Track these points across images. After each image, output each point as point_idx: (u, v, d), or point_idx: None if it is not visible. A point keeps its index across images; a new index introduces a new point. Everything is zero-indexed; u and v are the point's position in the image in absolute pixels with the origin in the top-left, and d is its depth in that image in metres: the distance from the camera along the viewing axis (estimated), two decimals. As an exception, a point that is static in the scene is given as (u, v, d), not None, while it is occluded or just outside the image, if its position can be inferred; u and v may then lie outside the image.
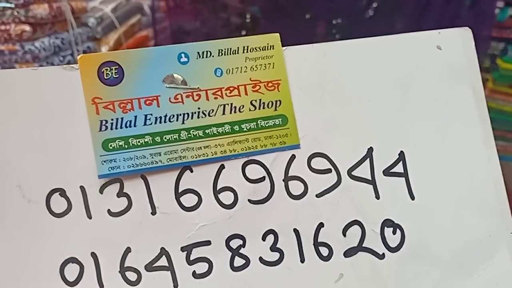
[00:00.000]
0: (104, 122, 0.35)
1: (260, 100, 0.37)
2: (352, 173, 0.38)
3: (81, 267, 0.35)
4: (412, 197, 0.38)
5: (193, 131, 0.36)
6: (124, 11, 1.22)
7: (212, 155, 0.36)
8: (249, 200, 0.37)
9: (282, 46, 0.37)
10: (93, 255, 0.35)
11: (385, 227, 0.38)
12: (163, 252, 0.36)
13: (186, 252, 0.36)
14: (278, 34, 0.37)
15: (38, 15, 0.92)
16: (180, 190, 0.36)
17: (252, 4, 1.14)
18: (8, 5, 0.91)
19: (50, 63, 0.94)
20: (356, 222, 0.38)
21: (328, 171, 0.37)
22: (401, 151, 0.38)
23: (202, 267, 0.36)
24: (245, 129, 0.36)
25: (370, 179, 0.38)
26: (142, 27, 1.33)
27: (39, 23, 0.94)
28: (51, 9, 0.95)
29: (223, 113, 0.36)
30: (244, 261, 0.37)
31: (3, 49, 0.93)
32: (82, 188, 0.35)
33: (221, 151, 0.36)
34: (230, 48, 0.36)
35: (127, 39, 1.20)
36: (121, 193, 0.36)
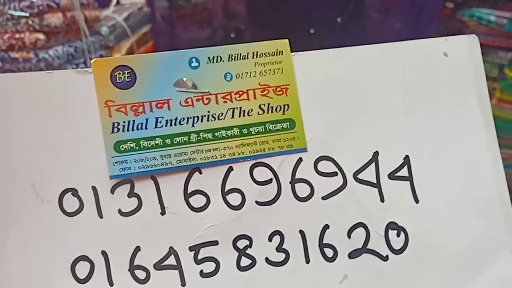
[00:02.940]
0: (116, 124, 0.36)
1: (268, 104, 0.37)
2: (358, 176, 0.38)
3: (92, 265, 0.36)
4: (417, 201, 0.39)
5: (202, 134, 0.37)
6: (137, 20, 1.24)
7: (221, 157, 0.37)
8: (256, 202, 0.37)
9: (291, 51, 0.38)
10: (104, 253, 0.36)
11: (389, 230, 0.38)
12: (172, 251, 0.37)
13: (194, 251, 0.37)
14: (287, 40, 0.37)
15: (52, 23, 0.94)
16: (189, 191, 0.37)
17: (235, 18, 1.17)
18: (23, 14, 0.92)
19: (63, 70, 0.96)
20: (361, 225, 0.38)
21: (334, 174, 0.38)
22: (406, 156, 0.39)
23: (209, 267, 0.37)
24: (253, 133, 0.37)
25: (375, 182, 0.38)
26: (154, 36, 1.34)
27: (53, 32, 0.96)
28: (65, 18, 0.96)
29: (232, 117, 0.37)
30: (250, 261, 0.37)
31: (17, 57, 0.95)
32: (94, 188, 0.36)
33: (230, 154, 0.37)
34: (240, 54, 0.37)
35: (139, 47, 1.21)
36: (131, 194, 0.36)
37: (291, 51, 0.38)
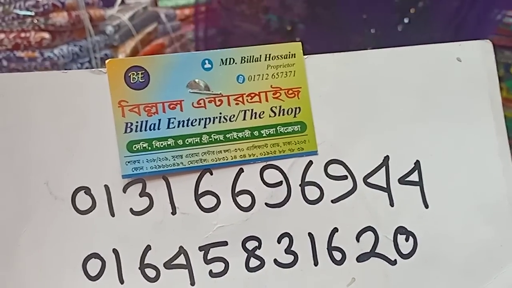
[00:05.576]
0: (129, 125, 0.36)
1: (280, 106, 0.38)
2: (368, 180, 0.38)
3: (103, 262, 0.36)
4: (426, 206, 0.39)
5: (214, 135, 0.37)
6: (141, 20, 1.24)
7: (232, 159, 0.37)
8: (266, 204, 0.38)
9: (304, 54, 0.38)
10: (115, 251, 0.36)
11: (398, 234, 0.39)
12: (182, 250, 0.37)
13: (203, 251, 0.37)
14: (300, 43, 0.38)
15: (57, 23, 0.94)
16: (200, 192, 0.37)
17: (291, 10, 1.15)
18: (28, 13, 0.93)
19: (68, 69, 0.96)
20: (369, 228, 0.38)
21: (344, 177, 0.38)
22: (417, 160, 0.39)
23: (218, 267, 0.37)
24: (264, 135, 0.37)
25: (385, 186, 0.39)
26: (158, 35, 1.35)
27: (58, 31, 0.96)
28: (70, 17, 0.97)
29: (244, 119, 0.37)
30: (259, 262, 0.38)
31: (22, 56, 0.95)
32: (106, 187, 0.36)
33: (241, 155, 0.37)
34: (253, 56, 0.37)
35: (143, 46, 1.22)
36: (143, 193, 0.37)
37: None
